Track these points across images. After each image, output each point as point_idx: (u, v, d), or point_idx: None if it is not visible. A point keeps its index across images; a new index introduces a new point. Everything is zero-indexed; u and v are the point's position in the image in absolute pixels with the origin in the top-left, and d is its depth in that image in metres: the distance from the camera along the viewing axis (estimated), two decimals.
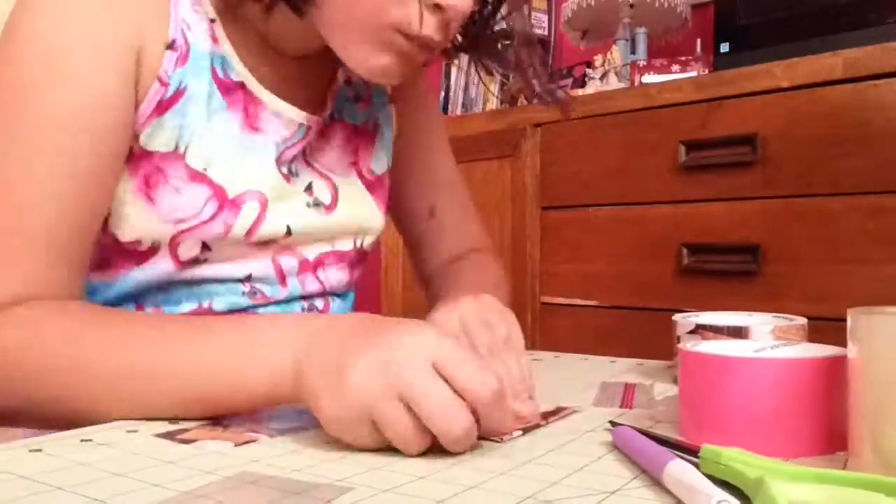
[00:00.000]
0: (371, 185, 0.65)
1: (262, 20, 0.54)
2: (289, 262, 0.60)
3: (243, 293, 0.58)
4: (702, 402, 0.39)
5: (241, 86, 0.55)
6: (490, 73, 0.63)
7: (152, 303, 0.56)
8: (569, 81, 1.74)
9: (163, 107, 0.51)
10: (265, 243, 0.57)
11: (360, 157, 0.65)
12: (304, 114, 0.58)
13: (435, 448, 0.37)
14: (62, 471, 0.34)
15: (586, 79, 1.58)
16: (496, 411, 0.37)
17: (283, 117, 0.57)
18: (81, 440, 0.39)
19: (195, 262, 0.55)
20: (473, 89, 2.15)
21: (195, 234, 0.53)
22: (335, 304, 0.65)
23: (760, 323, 0.50)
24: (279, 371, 0.40)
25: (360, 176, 0.64)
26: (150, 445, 0.39)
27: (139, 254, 0.54)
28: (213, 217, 0.53)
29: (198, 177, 0.53)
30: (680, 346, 0.41)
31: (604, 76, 1.53)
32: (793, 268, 1.13)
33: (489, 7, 0.59)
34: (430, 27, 0.49)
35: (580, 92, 1.52)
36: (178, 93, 0.51)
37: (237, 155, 0.55)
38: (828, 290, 1.09)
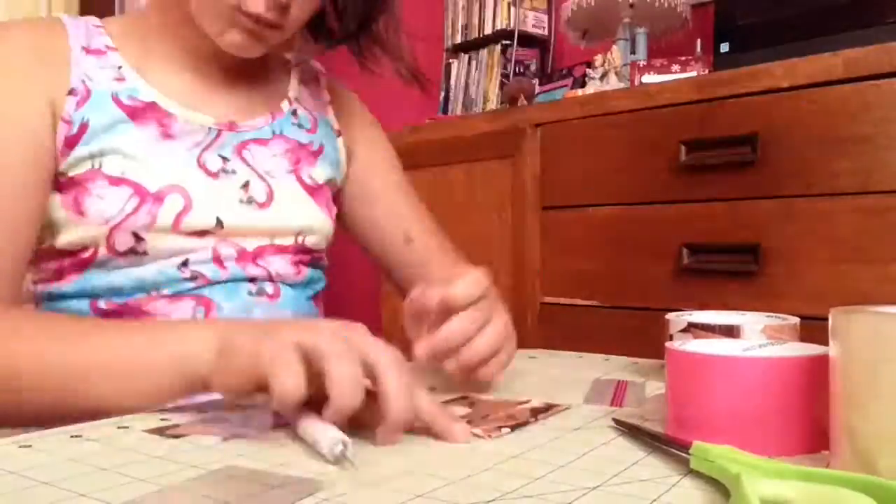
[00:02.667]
0: (312, 191, 0.71)
1: (189, 37, 0.66)
2: (226, 251, 0.65)
3: (183, 278, 0.63)
4: (687, 400, 0.39)
5: (153, 104, 0.64)
6: (363, 59, 0.72)
7: (105, 299, 0.62)
8: (569, 81, 1.74)
9: (71, 142, 0.61)
10: (201, 234, 0.63)
11: (301, 166, 0.71)
12: (211, 119, 0.67)
13: (420, 445, 0.38)
14: (51, 466, 0.35)
15: (586, 79, 1.58)
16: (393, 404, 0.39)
17: (194, 124, 0.66)
18: (71, 436, 0.40)
19: (135, 254, 0.61)
20: (473, 89, 2.16)
21: (123, 227, 0.60)
22: (287, 291, 0.69)
23: (751, 322, 0.50)
24: (194, 353, 0.45)
25: (300, 180, 0.71)
26: (140, 441, 0.39)
27: (85, 259, 0.61)
28: (136, 209, 0.60)
29: (116, 181, 0.61)
30: (667, 344, 0.42)
31: (604, 76, 1.53)
32: (792, 268, 1.13)
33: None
34: (259, 6, 0.59)
35: (580, 92, 1.52)
36: (83, 126, 0.61)
37: (154, 158, 0.62)
38: (827, 290, 1.09)
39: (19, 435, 0.40)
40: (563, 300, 1.42)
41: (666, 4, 1.58)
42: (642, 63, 1.45)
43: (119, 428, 0.42)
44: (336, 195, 0.76)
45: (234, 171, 0.66)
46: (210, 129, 0.66)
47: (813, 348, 0.40)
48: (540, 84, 1.82)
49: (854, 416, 0.31)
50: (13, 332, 0.51)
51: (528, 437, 0.40)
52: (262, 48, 0.64)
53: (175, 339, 0.47)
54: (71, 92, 0.61)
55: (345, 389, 0.37)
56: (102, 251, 0.61)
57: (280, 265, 0.68)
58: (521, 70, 2.02)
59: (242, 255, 0.66)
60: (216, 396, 0.46)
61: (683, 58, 1.41)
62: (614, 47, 1.57)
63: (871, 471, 0.30)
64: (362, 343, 0.40)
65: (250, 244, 0.66)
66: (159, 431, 0.41)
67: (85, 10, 2.32)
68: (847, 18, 1.19)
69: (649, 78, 1.40)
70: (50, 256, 0.63)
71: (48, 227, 0.62)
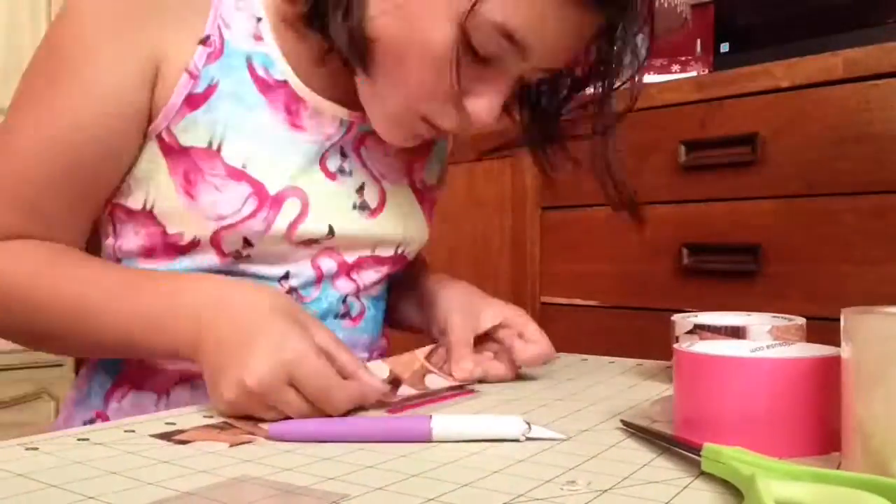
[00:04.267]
0: (421, 196, 0.66)
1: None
2: (328, 265, 0.60)
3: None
4: (696, 402, 0.39)
5: (284, 84, 0.56)
6: (551, 170, 0.62)
7: None
8: None
9: (194, 101, 0.53)
10: (307, 243, 0.58)
11: (414, 167, 0.65)
12: (345, 110, 0.58)
13: (429, 448, 0.37)
14: (57, 469, 0.34)
15: None
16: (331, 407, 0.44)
17: (326, 115, 0.58)
18: (78, 439, 0.40)
19: (237, 256, 0.56)
20: None
21: (236, 230, 0.54)
22: (370, 310, 0.65)
23: (758, 323, 0.50)
24: (182, 340, 0.48)
25: (412, 185, 0.65)
26: (146, 445, 0.39)
27: (181, 246, 0.55)
28: (253, 214, 0.54)
29: (236, 174, 0.54)
30: (675, 345, 0.41)
31: None
32: (793, 268, 1.13)
33: (555, 97, 0.59)
34: (453, 125, 0.53)
35: None
36: (210, 88, 0.53)
37: (278, 151, 0.55)
38: (828, 290, 1.09)
39: (25, 438, 0.40)
40: (563, 300, 1.42)
41: (666, 4, 1.58)
42: None
43: (126, 432, 0.41)
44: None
45: (350, 173, 0.60)
46: (343, 121, 0.59)
47: (822, 349, 0.39)
48: None
49: (866, 417, 0.31)
50: (33, 275, 0.52)
51: (537, 440, 0.40)
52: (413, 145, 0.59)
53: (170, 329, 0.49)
54: (204, 41, 0.53)
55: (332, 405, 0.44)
56: (205, 247, 0.55)
57: (371, 278, 0.63)
58: None
59: (342, 268, 0.61)
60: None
61: (683, 58, 1.41)
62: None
63: (883, 472, 0.30)
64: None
65: (352, 255, 0.61)
66: (165, 436, 0.41)
67: None
68: (847, 18, 1.19)
69: (649, 78, 1.40)
70: (142, 225, 0.56)
71: (149, 188, 0.55)
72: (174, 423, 0.43)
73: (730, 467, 0.32)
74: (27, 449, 0.38)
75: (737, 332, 0.50)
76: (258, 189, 0.54)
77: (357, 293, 0.63)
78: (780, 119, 1.15)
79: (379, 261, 0.63)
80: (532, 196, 1.47)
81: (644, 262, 1.30)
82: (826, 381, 0.36)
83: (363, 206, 0.60)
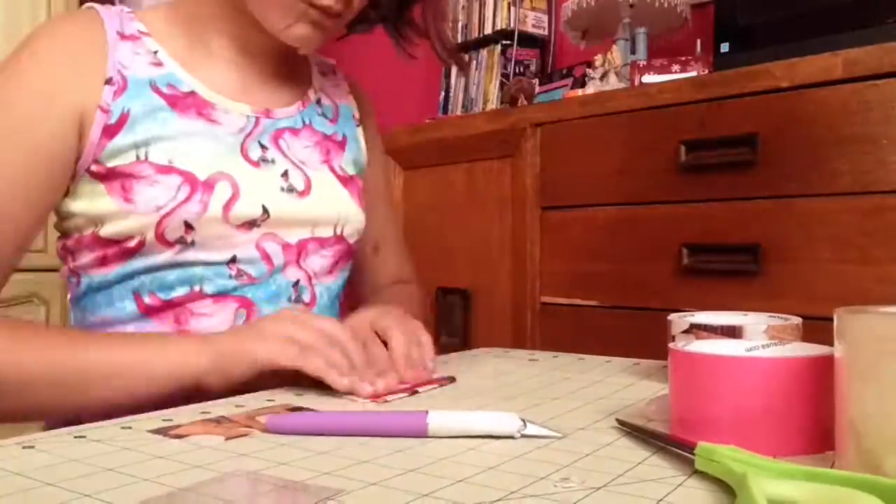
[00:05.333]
0: (344, 181, 0.72)
1: (230, 26, 0.67)
2: (272, 247, 0.66)
3: (230, 276, 0.64)
4: (691, 400, 0.39)
5: (193, 93, 0.65)
6: (405, 40, 0.75)
7: (147, 290, 0.62)
8: (569, 81, 1.74)
9: (111, 131, 0.60)
10: (246, 225, 0.63)
11: (332, 157, 0.73)
12: (248, 107, 0.67)
13: (424, 444, 0.38)
14: (54, 467, 0.35)
15: (586, 79, 1.58)
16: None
17: (233, 113, 0.66)
18: (75, 437, 0.40)
19: (183, 244, 0.61)
20: (473, 89, 2.15)
21: (175, 215, 0.60)
22: (323, 297, 0.70)
23: (754, 322, 0.50)
24: (190, 355, 0.54)
25: (333, 171, 0.72)
26: (143, 441, 0.39)
27: (130, 248, 0.61)
28: (188, 198, 0.60)
29: (165, 169, 0.61)
30: (670, 345, 0.42)
31: (604, 76, 1.53)
32: (793, 268, 1.13)
33: None
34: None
35: (580, 92, 1.52)
36: (123, 116, 0.61)
37: (199, 145, 0.62)
38: (828, 290, 1.09)
39: (22, 436, 0.40)
40: (562, 300, 1.42)
41: (666, 4, 1.58)
42: (642, 63, 1.45)
43: (122, 428, 0.42)
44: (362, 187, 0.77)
45: (273, 161, 0.67)
46: (248, 116, 0.67)
47: (818, 348, 0.40)
48: (540, 84, 1.82)
49: (859, 416, 0.31)
50: (16, 338, 0.54)
51: (532, 437, 0.40)
52: (323, 40, 0.65)
53: (172, 348, 0.54)
54: (108, 81, 0.61)
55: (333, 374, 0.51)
56: (150, 239, 0.60)
57: (319, 263, 0.69)
58: (521, 70, 2.02)
59: (287, 248, 0.66)
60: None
61: (683, 58, 1.41)
62: (614, 47, 1.57)
63: (876, 470, 0.30)
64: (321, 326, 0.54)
65: (293, 236, 0.67)
66: (162, 432, 0.41)
67: None
68: (847, 18, 1.19)
69: (649, 78, 1.40)
70: (92, 246, 0.62)
71: (91, 217, 0.61)
72: (171, 419, 0.43)
73: (723, 466, 0.32)
74: (24, 447, 0.38)
75: (733, 332, 0.50)
76: (188, 177, 0.61)
77: (309, 280, 0.69)
78: (780, 119, 1.15)
79: (321, 242, 0.69)
80: (532, 196, 1.47)
81: (644, 262, 1.30)
82: (821, 381, 0.36)
83: (291, 189, 0.67)
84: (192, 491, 0.31)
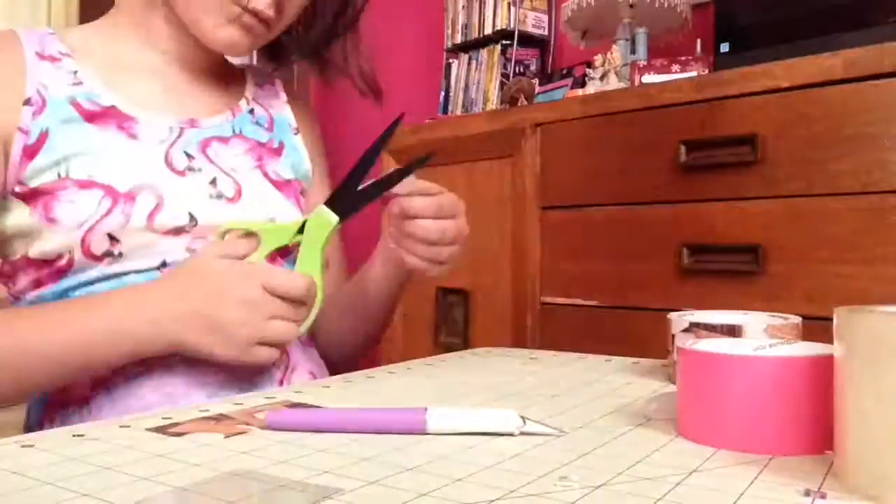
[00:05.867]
0: (279, 185, 0.73)
1: (163, 39, 0.69)
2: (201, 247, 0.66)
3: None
4: (699, 399, 0.39)
5: (112, 108, 0.65)
6: (327, 74, 0.75)
7: None
8: (569, 81, 1.74)
9: (31, 151, 0.61)
10: (175, 231, 0.64)
11: (265, 162, 0.73)
12: (171, 117, 0.68)
13: (423, 441, 0.37)
14: (53, 465, 0.34)
15: (586, 79, 1.58)
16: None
17: (154, 124, 0.66)
18: (73, 435, 0.40)
19: (111, 256, 0.61)
20: (473, 89, 2.15)
21: (97, 228, 0.60)
22: None
23: (754, 321, 0.50)
24: (144, 342, 0.57)
25: (266, 176, 0.72)
26: (142, 440, 0.39)
27: (61, 267, 0.61)
28: (109, 210, 0.61)
29: (86, 184, 0.61)
30: (679, 343, 0.41)
31: (604, 76, 1.53)
32: (793, 268, 1.13)
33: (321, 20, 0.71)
34: (262, 2, 0.62)
35: (580, 92, 1.52)
36: (42, 135, 0.61)
37: (120, 159, 0.63)
38: (828, 290, 1.09)
39: (21, 435, 0.40)
40: (562, 300, 1.42)
41: (666, 4, 1.58)
42: (642, 63, 1.45)
43: (121, 427, 0.42)
44: (302, 192, 0.77)
45: (200, 169, 0.67)
46: (171, 127, 0.67)
47: (824, 348, 0.39)
48: (540, 84, 1.82)
49: (858, 417, 0.31)
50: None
51: (530, 435, 0.40)
52: (251, 47, 0.66)
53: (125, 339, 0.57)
54: (27, 102, 0.62)
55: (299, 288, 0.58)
56: (78, 256, 0.61)
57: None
58: (521, 70, 2.02)
59: None
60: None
61: (683, 58, 1.41)
62: (614, 47, 1.57)
63: (874, 471, 0.30)
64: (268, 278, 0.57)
65: None
66: (161, 430, 0.41)
67: (84, 9, 2.32)
68: (847, 18, 1.19)
69: (649, 78, 1.40)
70: (26, 268, 0.63)
71: (20, 239, 0.62)
72: (170, 417, 0.43)
73: None
74: (22, 446, 0.38)
75: (733, 331, 0.50)
76: (109, 190, 0.61)
77: None
78: (780, 119, 1.15)
79: None
80: (532, 196, 1.47)
81: (644, 262, 1.30)
82: (827, 380, 0.36)
83: (219, 195, 0.67)
84: (191, 490, 0.31)
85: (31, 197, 0.61)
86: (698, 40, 1.54)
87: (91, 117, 0.63)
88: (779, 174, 1.15)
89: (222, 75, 0.75)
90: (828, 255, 1.10)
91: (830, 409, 0.34)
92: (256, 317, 0.56)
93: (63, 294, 0.62)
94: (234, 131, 0.72)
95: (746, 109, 1.18)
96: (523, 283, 1.47)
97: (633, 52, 1.59)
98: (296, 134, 0.79)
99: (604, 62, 1.54)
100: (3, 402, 0.57)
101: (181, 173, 0.65)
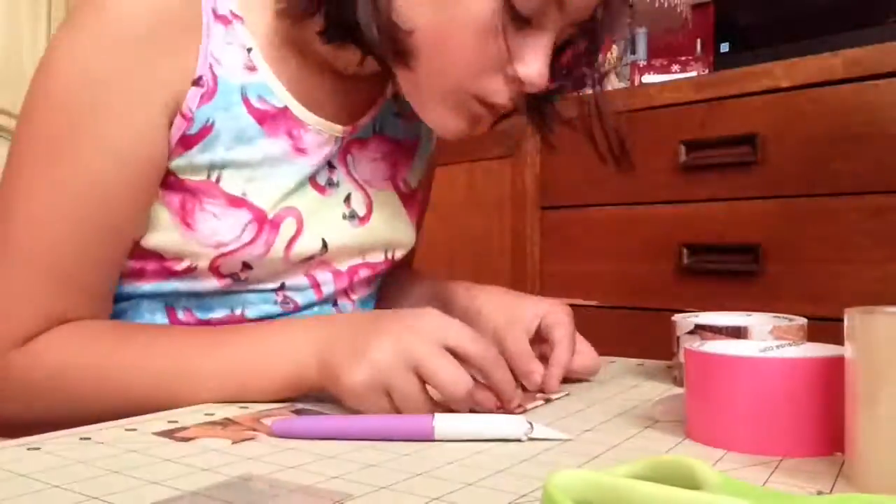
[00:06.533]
0: (405, 198, 0.66)
1: (320, 44, 0.53)
2: (322, 275, 0.60)
3: (275, 301, 0.58)
4: (707, 401, 0.39)
5: (285, 110, 0.55)
6: (548, 131, 0.62)
7: (183, 306, 0.56)
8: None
9: (188, 142, 0.51)
10: (307, 260, 0.58)
11: (398, 170, 0.65)
12: (339, 127, 0.58)
13: (432, 447, 0.37)
14: (60, 469, 0.34)
15: None
16: (495, 375, 0.44)
17: (324, 135, 0.57)
18: (80, 438, 0.39)
19: (236, 278, 0.55)
20: None
21: (236, 256, 0.54)
22: (358, 308, 0.65)
23: (759, 323, 0.50)
24: (303, 361, 0.46)
25: (397, 188, 0.65)
26: (149, 443, 0.39)
27: (175, 270, 0.54)
28: (253, 240, 0.54)
29: (237, 201, 0.53)
30: (686, 346, 0.41)
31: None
32: (793, 268, 1.13)
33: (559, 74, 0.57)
34: (506, 98, 0.51)
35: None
36: (206, 128, 0.52)
37: (276, 176, 0.55)
38: (828, 290, 1.09)
39: (28, 437, 0.40)
40: (562, 300, 1.42)
41: (666, 4, 1.58)
42: (642, 63, 1.45)
43: (127, 430, 0.41)
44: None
45: (338, 184, 0.59)
46: (338, 138, 0.58)
47: (832, 349, 0.39)
48: None
49: (869, 418, 0.31)
50: (112, 350, 0.49)
51: (539, 440, 0.40)
52: (471, 134, 0.55)
53: (280, 343, 0.47)
54: (196, 82, 0.51)
55: (457, 391, 0.42)
56: (202, 268, 0.53)
57: (366, 289, 0.65)
58: None
59: (337, 276, 0.61)
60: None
61: (683, 58, 1.41)
62: (614, 47, 1.57)
63: (885, 472, 0.30)
64: (455, 343, 0.44)
65: (344, 265, 0.61)
66: (168, 434, 0.41)
67: None
68: (847, 18, 1.20)
69: (649, 78, 1.40)
70: (132, 253, 0.54)
71: (155, 228, 0.53)
72: (176, 421, 0.43)
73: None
74: (29, 449, 0.38)
75: (738, 333, 0.50)
76: (257, 214, 0.54)
77: (348, 296, 0.64)
78: (780, 119, 1.15)
79: (372, 268, 0.63)
80: (532, 196, 1.47)
81: (644, 262, 1.30)
82: (836, 381, 0.36)
83: (352, 216, 0.60)
84: (200, 495, 0.31)
85: (172, 187, 0.52)
86: (698, 40, 1.54)
87: (262, 119, 0.53)
88: (779, 174, 1.15)
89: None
90: (828, 255, 1.10)
91: (840, 410, 0.34)
92: (403, 352, 0.43)
93: (165, 293, 0.55)
94: (374, 129, 0.62)
95: (746, 109, 1.18)
96: (523, 283, 1.47)
97: (633, 52, 1.59)
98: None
99: (604, 62, 1.54)
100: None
101: (322, 190, 0.58)
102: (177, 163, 0.52)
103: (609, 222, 1.35)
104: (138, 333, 0.51)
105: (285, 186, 0.55)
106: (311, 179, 0.58)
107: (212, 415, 0.45)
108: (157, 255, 0.54)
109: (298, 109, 0.55)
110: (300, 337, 0.47)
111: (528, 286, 1.46)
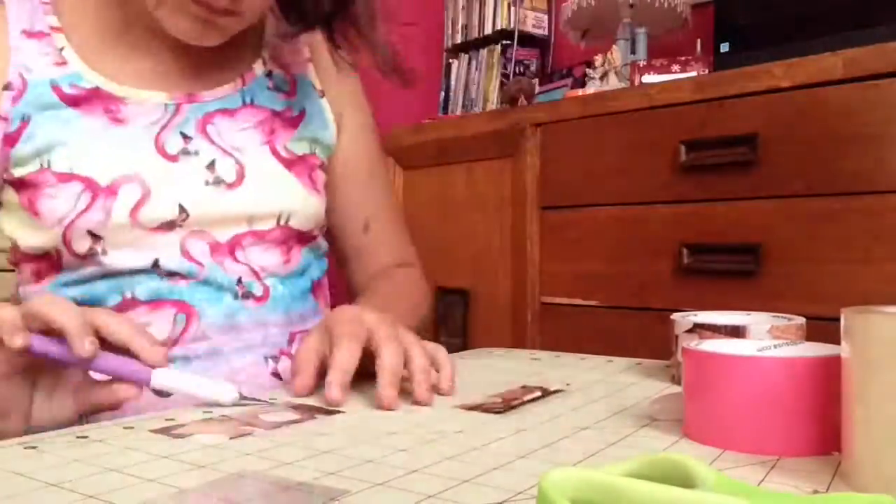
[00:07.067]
0: (289, 164, 0.65)
1: (138, 16, 0.60)
2: (197, 246, 0.60)
3: (160, 278, 0.60)
4: (705, 400, 0.39)
5: (97, 90, 0.60)
6: (337, 46, 0.66)
7: (80, 302, 0.56)
8: (569, 81, 1.74)
9: (11, 139, 0.58)
10: (165, 227, 0.59)
11: (276, 136, 0.65)
12: (164, 94, 0.62)
13: (431, 443, 0.37)
14: (57, 468, 0.34)
15: (586, 79, 1.58)
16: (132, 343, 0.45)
17: (147, 104, 0.61)
18: (77, 437, 0.40)
19: (95, 254, 0.58)
20: (473, 89, 2.15)
21: (77, 225, 0.57)
22: (277, 288, 0.64)
23: (758, 322, 0.50)
24: None
25: (276, 154, 0.65)
26: (146, 441, 0.39)
27: (54, 262, 0.60)
28: (88, 206, 0.57)
29: (65, 177, 0.58)
30: (684, 344, 0.41)
31: (604, 76, 1.53)
32: (793, 268, 1.13)
33: None
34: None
35: (580, 92, 1.52)
36: (23, 123, 0.58)
37: (106, 148, 0.59)
38: (828, 290, 1.09)
39: (25, 437, 0.40)
40: (562, 300, 1.42)
41: (666, 4, 1.58)
42: (642, 63, 1.45)
43: (125, 429, 0.41)
44: (321, 166, 0.69)
45: (196, 152, 0.61)
46: (166, 105, 0.62)
47: (829, 348, 0.39)
48: (540, 84, 1.82)
49: (865, 417, 0.31)
50: None
51: (535, 436, 0.40)
52: (218, 36, 0.58)
53: None
54: (7, 87, 0.58)
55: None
56: (65, 254, 0.58)
57: (264, 258, 0.63)
58: (521, 70, 2.02)
59: (216, 249, 0.61)
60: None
61: (683, 58, 1.41)
62: (614, 47, 1.57)
63: (882, 472, 0.30)
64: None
65: (223, 234, 0.61)
66: (165, 431, 0.41)
67: None
68: (847, 18, 1.20)
69: (649, 78, 1.40)
70: (25, 259, 0.61)
71: (20, 229, 0.60)
72: (173, 419, 0.43)
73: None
74: (26, 448, 0.38)
75: (737, 332, 0.50)
76: (89, 183, 0.57)
77: (255, 275, 0.63)
78: (780, 119, 1.15)
79: (260, 236, 0.63)
80: (532, 196, 1.47)
81: (644, 262, 1.30)
82: (833, 381, 0.36)
83: (217, 182, 0.61)
84: (197, 492, 0.31)
85: (19, 186, 0.59)
86: (698, 40, 1.54)
87: (75, 102, 0.59)
88: (779, 174, 1.15)
89: (234, 37, 0.62)
90: (828, 254, 1.10)
91: (837, 409, 0.34)
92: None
93: (62, 288, 0.59)
94: (244, 101, 0.65)
95: (746, 109, 1.18)
96: (523, 283, 1.47)
97: (633, 52, 1.59)
98: (321, 97, 0.71)
99: (604, 62, 1.54)
100: None
101: (173, 158, 0.60)
102: (11, 162, 0.58)
103: (609, 222, 1.35)
104: None
105: (114, 154, 0.58)
106: (159, 149, 0.60)
107: (209, 412, 0.45)
108: (33, 257, 0.60)
109: (110, 86, 0.60)
110: None
111: (528, 286, 1.47)
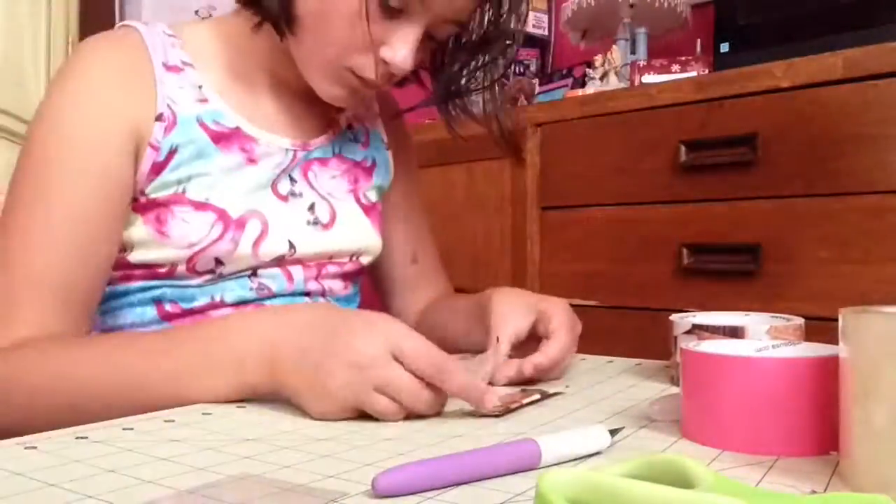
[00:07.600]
0: (367, 210, 0.74)
1: (267, 59, 0.67)
2: (297, 272, 0.68)
3: (251, 288, 0.65)
4: (703, 400, 0.39)
5: (237, 129, 0.65)
6: (452, 119, 0.71)
7: (169, 300, 0.63)
8: (569, 81, 1.74)
9: (158, 167, 0.61)
10: (276, 261, 0.65)
11: (358, 185, 0.74)
12: (287, 140, 0.68)
13: (425, 447, 0.37)
14: (57, 468, 0.34)
15: (586, 79, 1.58)
16: (450, 386, 0.45)
17: (274, 147, 0.67)
18: (76, 437, 0.40)
19: (212, 274, 0.63)
20: None
21: (207, 252, 0.61)
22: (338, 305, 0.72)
23: (756, 323, 0.50)
24: (249, 369, 0.48)
25: (358, 201, 0.73)
26: (145, 442, 0.39)
27: (159, 273, 0.62)
28: (220, 236, 0.62)
29: (201, 206, 0.62)
30: (682, 345, 0.42)
31: (604, 76, 1.53)
32: (793, 268, 1.13)
33: (459, 60, 0.67)
34: (373, 75, 0.60)
35: (580, 92, 1.51)
36: (171, 153, 0.61)
37: (235, 184, 0.64)
38: (828, 290, 1.09)
39: (24, 437, 0.40)
40: (563, 300, 1.42)
41: (666, 4, 1.58)
42: (642, 63, 1.45)
43: (124, 429, 0.42)
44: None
45: (300, 194, 0.68)
46: (287, 150, 0.68)
47: (828, 349, 0.39)
48: (540, 84, 1.82)
49: (864, 418, 0.31)
50: (71, 364, 0.52)
51: (530, 434, 0.40)
52: (361, 102, 0.68)
53: (225, 348, 0.49)
54: (159, 118, 0.61)
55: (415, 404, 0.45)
56: (181, 269, 0.62)
57: (334, 283, 0.71)
58: (521, 70, 2.02)
59: (306, 267, 0.68)
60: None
61: (683, 58, 1.41)
62: (614, 47, 1.57)
63: (880, 472, 0.30)
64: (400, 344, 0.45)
65: (312, 262, 0.69)
66: (164, 431, 0.41)
67: (84, 10, 2.32)
68: (847, 18, 1.19)
69: (649, 78, 1.40)
70: (118, 266, 0.62)
71: (123, 245, 0.62)
72: (173, 420, 0.43)
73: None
74: (26, 448, 0.38)
75: (735, 332, 0.50)
76: (221, 214, 0.62)
77: (323, 295, 0.71)
78: (780, 119, 1.14)
79: (339, 266, 0.71)
80: (532, 196, 1.47)
81: (644, 262, 1.30)
82: (832, 381, 0.36)
83: (315, 222, 0.68)
84: (196, 493, 0.31)
85: (146, 208, 0.61)
86: (698, 40, 1.54)
87: (217, 138, 0.63)
88: (779, 174, 1.15)
89: None
90: (828, 255, 1.10)
91: (835, 410, 0.34)
92: (361, 383, 0.44)
93: (152, 288, 0.63)
94: (334, 151, 0.72)
95: (746, 109, 1.18)
96: (523, 283, 1.47)
97: (633, 52, 1.59)
98: (387, 149, 0.79)
99: (604, 62, 1.54)
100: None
101: (284, 198, 0.67)
102: (152, 187, 0.61)
103: (609, 222, 1.35)
104: (92, 350, 0.53)
105: (243, 190, 0.64)
106: (273, 189, 0.66)
107: (209, 414, 0.45)
108: (143, 266, 0.62)
109: (248, 127, 0.65)
110: (241, 345, 0.49)
111: (528, 286, 1.46)
